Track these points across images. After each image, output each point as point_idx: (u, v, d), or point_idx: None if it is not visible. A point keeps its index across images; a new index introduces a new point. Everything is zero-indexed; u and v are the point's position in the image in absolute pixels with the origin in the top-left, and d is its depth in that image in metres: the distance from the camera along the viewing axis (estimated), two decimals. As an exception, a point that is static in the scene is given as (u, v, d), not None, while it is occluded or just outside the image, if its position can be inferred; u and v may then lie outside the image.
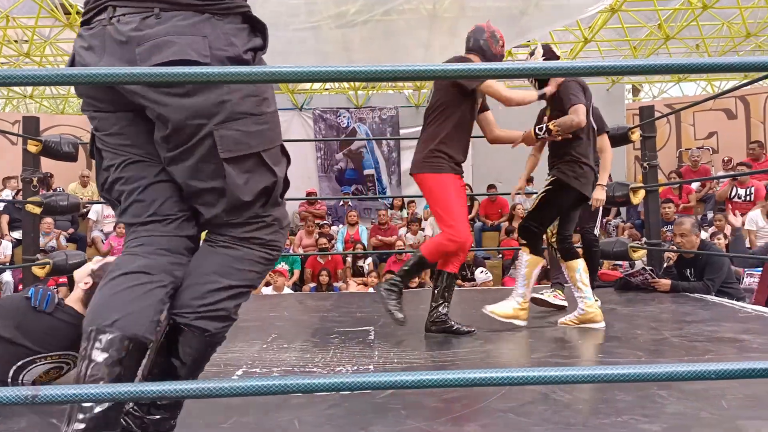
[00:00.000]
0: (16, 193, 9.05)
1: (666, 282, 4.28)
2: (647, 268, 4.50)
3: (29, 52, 9.82)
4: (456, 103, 3.03)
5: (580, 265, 3.28)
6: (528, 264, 3.25)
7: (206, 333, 1.34)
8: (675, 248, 4.56)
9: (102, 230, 9.25)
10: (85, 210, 9.11)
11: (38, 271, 4.31)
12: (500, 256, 8.81)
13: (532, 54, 3.36)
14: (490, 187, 9.64)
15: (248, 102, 1.28)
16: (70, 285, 7.71)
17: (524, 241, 3.31)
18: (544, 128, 3.17)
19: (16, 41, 10.02)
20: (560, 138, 3.18)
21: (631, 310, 3.65)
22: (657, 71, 1.32)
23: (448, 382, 1.33)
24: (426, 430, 1.65)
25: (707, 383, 1.95)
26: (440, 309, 3.04)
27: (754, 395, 1.87)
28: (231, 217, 1.34)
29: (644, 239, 5.13)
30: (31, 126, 4.50)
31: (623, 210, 9.66)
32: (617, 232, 8.89)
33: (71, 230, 8.86)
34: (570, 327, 3.14)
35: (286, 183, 1.39)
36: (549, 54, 3.41)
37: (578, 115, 3.09)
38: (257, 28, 1.35)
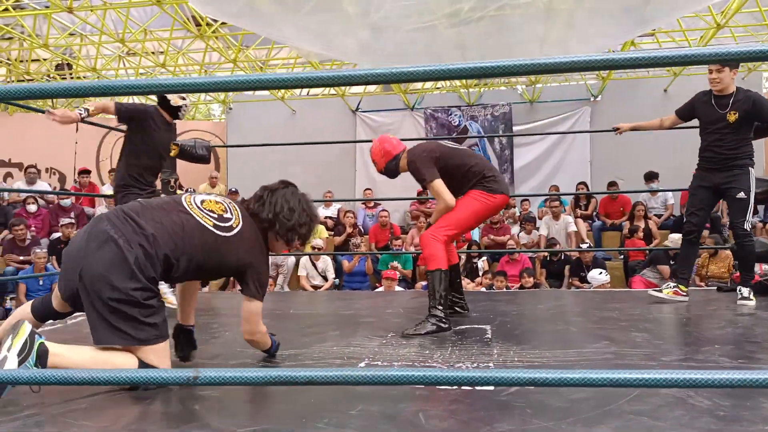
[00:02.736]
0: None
1: (814, 287, 3.91)
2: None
3: (165, 63, 10.64)
4: None
5: None
6: None
7: None
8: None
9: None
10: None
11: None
12: (621, 257, 8.40)
13: None
14: (611, 184, 9.23)
15: None
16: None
17: None
18: None
19: (152, 53, 10.89)
20: None
21: (772, 315, 3.37)
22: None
23: (580, 381, 1.31)
24: (553, 430, 1.62)
25: None
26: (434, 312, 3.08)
27: None
28: None
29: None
30: (169, 131, 4.87)
31: (761, 209, 8.89)
32: (755, 232, 8.20)
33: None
34: (704, 330, 2.94)
35: None
36: None
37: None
38: None
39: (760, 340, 2.70)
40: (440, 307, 3.08)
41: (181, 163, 5.00)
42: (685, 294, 3.85)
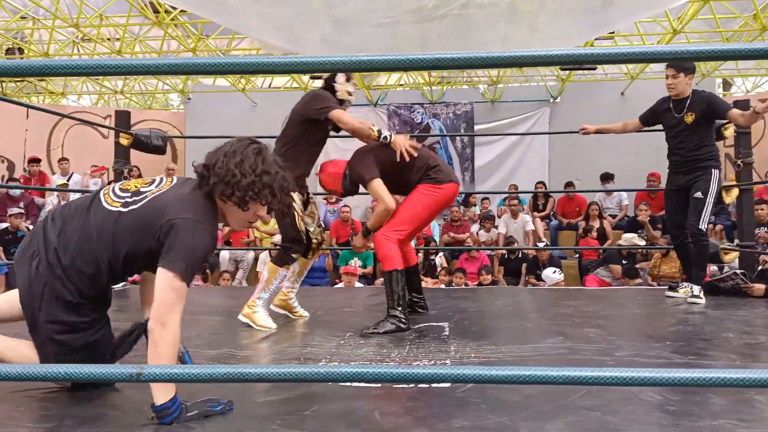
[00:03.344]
0: (108, 185, 9.58)
1: (761, 287, 4.03)
2: (738, 272, 4.25)
3: (121, 50, 10.35)
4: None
5: None
6: None
7: None
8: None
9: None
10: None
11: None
12: (577, 255, 8.56)
13: None
14: (568, 184, 9.38)
15: None
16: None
17: None
18: None
19: (108, 39, 10.58)
20: None
21: (721, 313, 3.46)
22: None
23: (533, 378, 1.31)
24: (509, 425, 1.62)
25: (813, 392, 1.81)
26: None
27: None
28: None
29: (736, 241, 4.84)
30: (122, 120, 4.75)
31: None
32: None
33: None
34: (656, 327, 3.00)
35: None
36: None
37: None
38: None
39: (709, 338, 2.77)
40: (399, 308, 3.05)
41: (136, 154, 4.87)
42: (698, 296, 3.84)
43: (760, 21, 8.70)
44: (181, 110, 13.63)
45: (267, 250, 8.32)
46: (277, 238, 8.34)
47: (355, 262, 7.75)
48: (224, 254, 8.72)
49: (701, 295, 3.79)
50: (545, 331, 2.91)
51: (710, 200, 3.71)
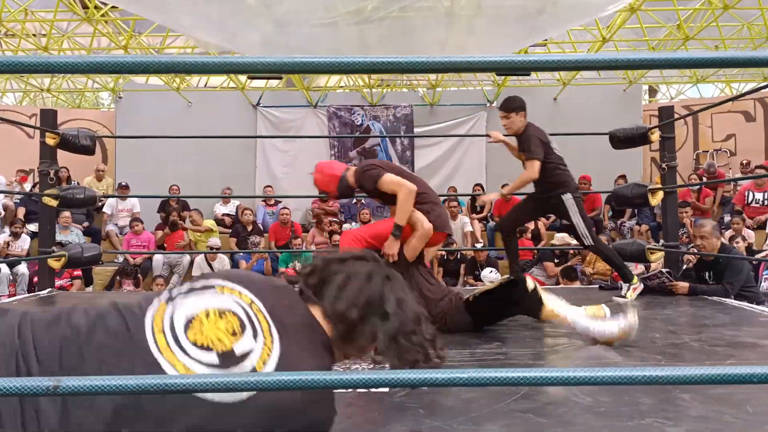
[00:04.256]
0: (33, 186, 9.14)
1: (684, 285, 4.23)
2: (664, 271, 4.44)
3: (47, 46, 9.89)
4: None
5: None
6: None
7: None
8: (695, 251, 4.51)
9: (117, 224, 9.31)
10: (100, 204, 9.19)
11: (54, 264, 4.33)
12: (514, 256, 8.74)
13: None
14: (504, 186, 9.59)
15: None
16: (85, 278, 7.77)
17: None
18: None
19: (34, 35, 10.09)
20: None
21: (648, 313, 3.59)
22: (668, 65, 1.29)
23: (467, 380, 1.31)
24: (444, 429, 1.62)
25: (730, 388, 1.90)
26: None
27: (780, 401, 1.83)
28: None
29: (662, 241, 5.06)
30: (48, 119, 4.52)
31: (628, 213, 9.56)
32: (632, 234, 8.81)
33: (86, 224, 8.92)
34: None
35: None
36: None
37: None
38: None
39: (636, 338, 2.86)
40: None
41: (64, 155, 4.65)
42: (636, 285, 3.98)
43: (684, 31, 9.15)
44: (111, 109, 13.14)
45: (203, 254, 8.13)
46: (213, 241, 8.18)
47: (295, 265, 7.68)
48: (158, 258, 8.46)
49: (628, 294, 3.93)
50: (482, 337, 2.92)
51: (578, 220, 3.80)
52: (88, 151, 4.51)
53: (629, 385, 1.87)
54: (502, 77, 10.61)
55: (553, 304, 2.78)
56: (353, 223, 9.45)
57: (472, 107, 11.36)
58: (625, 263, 4.17)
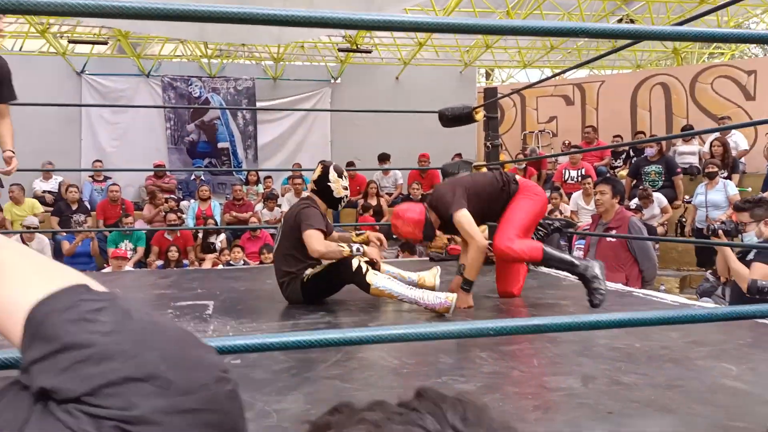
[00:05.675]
0: None
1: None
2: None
3: None
4: None
5: None
6: None
7: None
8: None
9: None
10: None
11: None
12: (361, 233, 8.90)
13: None
14: (349, 164, 9.70)
15: None
16: None
17: None
18: None
19: None
20: None
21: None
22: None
23: (281, 344, 1.30)
24: (249, 402, 1.60)
25: (522, 345, 2.08)
26: None
27: (562, 354, 2.03)
28: None
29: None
30: None
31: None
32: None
33: None
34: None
35: None
36: None
37: None
38: None
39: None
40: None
41: None
42: None
43: (512, 16, 9.77)
44: None
45: (18, 234, 7.34)
46: (29, 220, 7.41)
47: (126, 245, 7.20)
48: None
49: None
50: (308, 308, 2.95)
51: None
52: None
53: (437, 347, 1.97)
54: (345, 54, 10.66)
55: (379, 283, 2.82)
56: (192, 201, 9.03)
57: (316, 83, 11.29)
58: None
